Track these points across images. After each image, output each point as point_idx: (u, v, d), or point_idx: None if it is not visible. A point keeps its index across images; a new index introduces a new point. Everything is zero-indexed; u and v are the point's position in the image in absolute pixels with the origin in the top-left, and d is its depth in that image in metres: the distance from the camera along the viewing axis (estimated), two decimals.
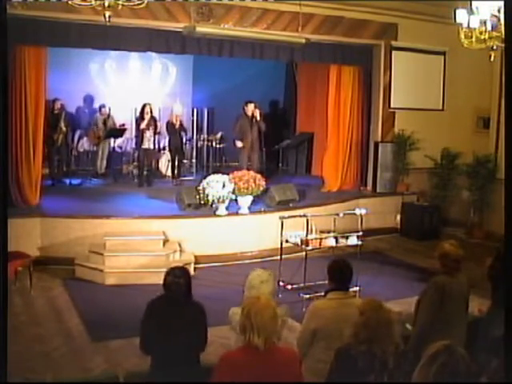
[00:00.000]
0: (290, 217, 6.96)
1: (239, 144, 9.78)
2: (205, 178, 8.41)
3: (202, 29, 8.15)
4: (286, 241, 6.74)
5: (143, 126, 9.85)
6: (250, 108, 9.68)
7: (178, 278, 3.65)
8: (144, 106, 9.93)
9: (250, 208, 8.44)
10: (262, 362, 2.87)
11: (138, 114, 10.10)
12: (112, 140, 10.99)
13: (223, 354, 3.04)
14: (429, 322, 4.00)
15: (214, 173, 8.76)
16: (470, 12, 5.61)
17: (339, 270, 3.88)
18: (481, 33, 5.58)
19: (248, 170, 8.99)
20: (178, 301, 3.63)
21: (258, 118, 9.66)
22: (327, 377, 3.14)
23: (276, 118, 12.73)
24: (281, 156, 12.27)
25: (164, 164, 11.11)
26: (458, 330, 4.06)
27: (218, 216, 8.18)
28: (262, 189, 8.45)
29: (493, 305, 4.58)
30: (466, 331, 4.18)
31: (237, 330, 3.78)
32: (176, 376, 3.47)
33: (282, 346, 3.30)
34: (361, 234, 6.78)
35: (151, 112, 9.98)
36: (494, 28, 5.51)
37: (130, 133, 11.00)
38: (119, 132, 10.91)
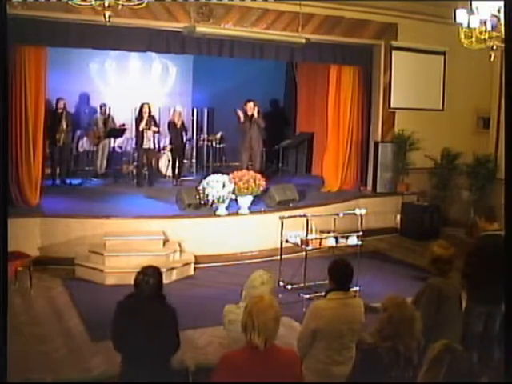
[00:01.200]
0: (290, 217, 6.96)
1: (241, 114, 9.74)
2: (205, 177, 8.41)
3: (202, 29, 8.15)
4: (286, 241, 6.74)
5: (143, 125, 9.85)
6: (250, 107, 9.74)
7: (148, 277, 3.67)
8: (142, 106, 9.93)
9: (250, 208, 8.44)
10: (262, 362, 2.87)
11: (137, 115, 10.10)
12: (112, 140, 11.00)
13: (223, 353, 3.04)
14: (426, 324, 4.01)
15: (214, 173, 8.76)
16: (470, 12, 5.62)
17: (340, 270, 3.88)
18: (481, 33, 5.58)
19: (248, 169, 9.01)
20: (148, 300, 3.65)
21: (256, 116, 9.72)
22: (350, 374, 3.14)
23: (276, 118, 12.73)
24: (281, 156, 12.26)
25: (164, 164, 11.11)
26: (453, 329, 4.07)
27: (218, 216, 8.18)
28: (261, 189, 8.46)
29: (469, 302, 4.60)
30: (461, 330, 4.19)
31: (229, 328, 3.80)
32: (144, 376, 3.50)
33: (283, 346, 3.29)
34: (361, 234, 6.78)
35: (150, 112, 9.98)
36: (493, 28, 5.51)
37: (130, 133, 11.00)
38: (119, 132, 10.92)
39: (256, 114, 9.76)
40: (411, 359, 2.93)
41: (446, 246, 4.15)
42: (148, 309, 3.64)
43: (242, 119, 9.77)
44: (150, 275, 3.68)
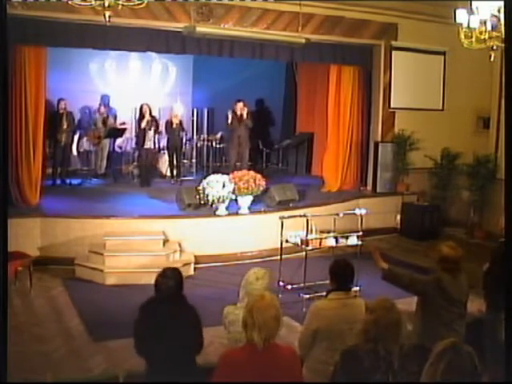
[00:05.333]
0: (290, 217, 6.95)
1: (229, 115, 9.92)
2: (205, 178, 8.41)
3: (202, 29, 8.15)
4: (286, 241, 6.73)
5: (144, 124, 9.86)
6: (239, 107, 9.85)
7: (168, 279, 3.67)
8: (141, 106, 9.96)
9: (250, 208, 8.45)
10: (261, 360, 2.87)
11: (138, 115, 10.11)
12: (112, 140, 10.99)
13: (223, 352, 3.04)
14: (429, 321, 4.00)
15: (213, 173, 8.77)
16: (470, 12, 5.62)
17: (341, 271, 3.87)
18: (481, 33, 5.59)
19: (237, 167, 9.06)
20: (169, 302, 3.64)
21: (245, 117, 9.81)
22: (331, 376, 3.14)
23: (271, 117, 12.74)
24: (281, 156, 12.27)
25: (164, 164, 11.11)
26: (457, 329, 4.06)
27: (218, 216, 8.18)
28: (261, 189, 8.46)
29: (488, 309, 4.57)
30: (464, 331, 4.17)
31: (230, 329, 3.79)
32: (171, 377, 3.47)
33: (282, 344, 3.29)
34: (361, 233, 6.78)
35: (150, 111, 10.00)
36: (494, 28, 5.51)
37: (130, 133, 11.00)
38: (119, 132, 10.91)
39: (245, 115, 9.84)
40: (392, 363, 2.93)
41: (454, 246, 4.15)
42: (170, 311, 3.61)
43: (229, 120, 9.87)
44: (170, 277, 3.67)
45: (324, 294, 4.02)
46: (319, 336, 3.71)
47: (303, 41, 8.75)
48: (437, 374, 2.35)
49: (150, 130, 9.97)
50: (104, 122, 10.82)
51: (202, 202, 8.17)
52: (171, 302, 3.64)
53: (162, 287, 3.65)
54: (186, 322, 3.65)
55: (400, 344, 3.03)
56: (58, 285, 6.96)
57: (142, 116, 9.95)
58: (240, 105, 9.90)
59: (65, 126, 9.71)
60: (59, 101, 9.72)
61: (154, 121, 10.06)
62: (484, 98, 9.93)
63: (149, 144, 10.07)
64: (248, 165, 9.93)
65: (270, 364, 2.88)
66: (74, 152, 11.01)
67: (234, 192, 8.15)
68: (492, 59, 5.85)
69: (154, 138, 10.16)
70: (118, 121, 11.08)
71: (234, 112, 9.90)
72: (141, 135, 9.99)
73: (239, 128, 9.91)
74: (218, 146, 11.68)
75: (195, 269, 7.60)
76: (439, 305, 4.01)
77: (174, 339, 3.54)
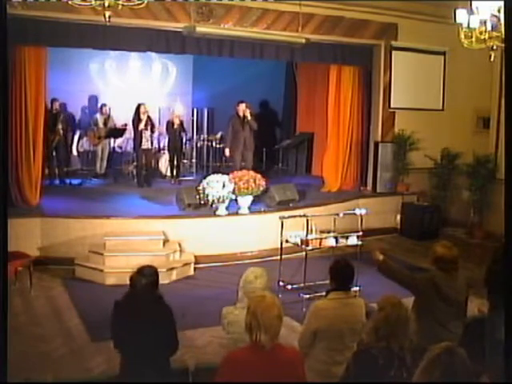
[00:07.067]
0: (290, 217, 6.95)
1: (227, 152, 10.01)
2: (205, 178, 8.41)
3: (202, 29, 8.15)
4: (286, 241, 6.73)
5: (142, 126, 9.84)
6: (242, 108, 9.79)
7: (142, 276, 3.72)
8: (139, 107, 9.90)
9: (250, 208, 8.45)
10: (266, 361, 2.87)
11: (134, 115, 10.06)
12: (112, 140, 11.00)
13: (228, 353, 3.04)
14: (425, 321, 3.99)
15: (213, 173, 8.76)
16: (470, 12, 5.62)
17: (341, 270, 3.88)
18: (481, 33, 5.58)
19: (242, 169, 9.04)
20: (143, 299, 3.69)
21: (249, 118, 9.76)
22: (343, 376, 3.14)
23: (275, 118, 12.73)
24: (281, 156, 12.27)
25: (164, 164, 11.11)
26: (453, 330, 4.05)
27: (218, 216, 8.18)
28: (261, 189, 8.46)
29: (491, 308, 4.56)
30: (462, 330, 4.16)
31: (229, 330, 3.79)
32: (141, 375, 3.51)
33: (285, 345, 3.29)
34: (361, 233, 6.78)
35: (147, 112, 9.97)
36: (494, 28, 5.51)
37: (130, 133, 10.99)
38: (119, 132, 10.91)
39: (249, 116, 9.80)
40: (404, 359, 2.94)
41: (449, 246, 4.13)
42: (143, 308, 3.66)
43: (232, 121, 9.81)
44: (144, 275, 3.73)
45: (324, 293, 4.03)
46: (319, 336, 3.71)
47: (303, 41, 8.75)
48: (432, 379, 2.34)
49: (146, 130, 9.95)
50: (105, 123, 10.82)
51: (202, 202, 8.17)
52: (145, 300, 3.69)
53: (136, 284, 3.72)
54: (159, 321, 3.67)
55: (410, 339, 3.04)
56: (58, 285, 6.96)
57: (138, 117, 9.89)
58: (242, 106, 9.81)
59: (60, 126, 9.67)
60: (53, 101, 9.62)
61: (150, 121, 10.04)
62: (484, 98, 9.93)
63: (146, 144, 10.05)
64: (252, 167, 9.91)
65: (275, 364, 2.89)
66: (74, 152, 11.03)
67: (234, 192, 8.15)
68: (492, 59, 5.85)
69: (151, 138, 10.15)
70: (117, 121, 11.08)
71: (237, 114, 9.83)
72: (138, 136, 9.96)
73: (244, 130, 9.83)
74: (217, 145, 11.68)
75: (195, 269, 7.60)
76: (435, 305, 3.99)
77: (146, 336, 3.57)
